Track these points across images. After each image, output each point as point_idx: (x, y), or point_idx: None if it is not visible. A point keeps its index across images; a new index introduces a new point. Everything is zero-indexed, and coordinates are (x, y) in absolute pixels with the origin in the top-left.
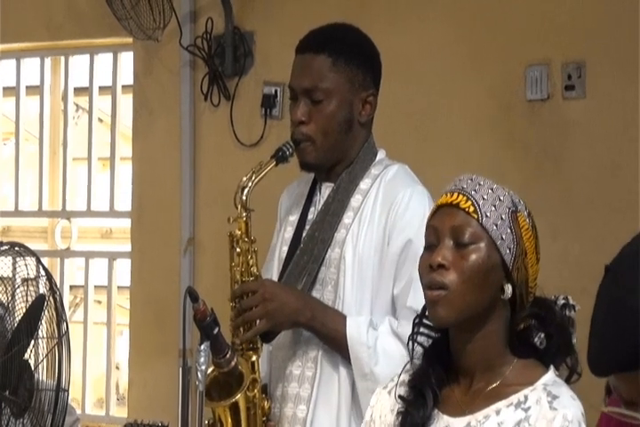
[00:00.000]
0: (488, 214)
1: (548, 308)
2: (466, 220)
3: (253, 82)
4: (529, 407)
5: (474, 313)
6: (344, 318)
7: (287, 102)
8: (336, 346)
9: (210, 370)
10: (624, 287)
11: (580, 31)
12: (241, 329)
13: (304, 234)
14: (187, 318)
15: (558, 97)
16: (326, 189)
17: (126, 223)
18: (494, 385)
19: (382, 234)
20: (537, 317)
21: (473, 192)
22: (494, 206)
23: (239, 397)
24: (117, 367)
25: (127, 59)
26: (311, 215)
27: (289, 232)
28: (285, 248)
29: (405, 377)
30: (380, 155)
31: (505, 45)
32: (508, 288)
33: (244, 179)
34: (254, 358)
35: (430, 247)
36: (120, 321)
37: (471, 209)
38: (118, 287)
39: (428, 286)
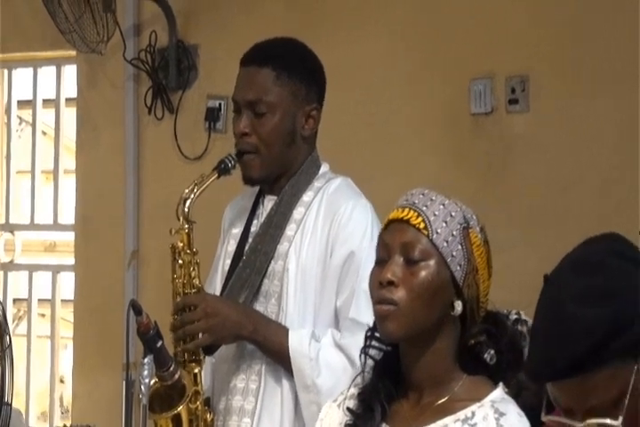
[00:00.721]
0: (439, 231)
1: (499, 323)
2: (416, 236)
3: (197, 95)
4: (475, 424)
5: (423, 329)
6: (287, 330)
7: (231, 116)
8: (279, 359)
9: (152, 382)
10: (565, 295)
11: (523, 45)
12: (182, 342)
13: (247, 247)
14: (130, 332)
15: (502, 110)
16: (269, 202)
17: (70, 236)
18: (443, 400)
19: (325, 246)
20: (488, 332)
21: (424, 208)
22: (445, 223)
23: (181, 409)
24: (61, 381)
25: (71, 72)
26: (254, 228)
27: (232, 245)
28: (228, 261)
29: (355, 390)
30: (324, 168)
31: (449, 59)
32: (459, 305)
33: (187, 191)
34: (197, 370)
35: (381, 262)
36: (64, 334)
37: (422, 225)
38: (62, 300)
39: (377, 302)
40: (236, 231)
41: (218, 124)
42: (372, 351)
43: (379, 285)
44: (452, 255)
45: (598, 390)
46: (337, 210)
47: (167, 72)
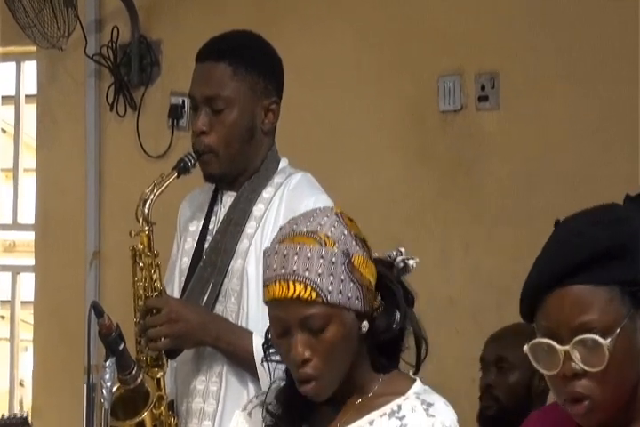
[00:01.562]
0: (330, 288)
1: (386, 270)
2: (312, 308)
3: (160, 92)
4: (404, 416)
5: (341, 379)
6: (251, 334)
7: None
8: (244, 364)
9: (115, 388)
10: (575, 222)
11: (493, 41)
12: (145, 346)
13: (206, 245)
14: (91, 334)
15: (471, 108)
16: (228, 199)
17: (30, 236)
18: (364, 398)
19: None
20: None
21: (307, 273)
22: (332, 275)
23: (145, 415)
24: (22, 384)
25: (31, 68)
26: (212, 225)
27: (189, 243)
28: (186, 259)
29: (271, 396)
30: (283, 163)
31: (417, 55)
32: (365, 326)
33: (146, 191)
34: (160, 374)
35: (284, 335)
36: (24, 337)
37: (313, 295)
38: (22, 302)
39: (300, 381)
40: (194, 229)
41: (181, 122)
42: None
43: (295, 363)
44: (348, 297)
45: (593, 307)
46: (298, 206)
47: (129, 68)
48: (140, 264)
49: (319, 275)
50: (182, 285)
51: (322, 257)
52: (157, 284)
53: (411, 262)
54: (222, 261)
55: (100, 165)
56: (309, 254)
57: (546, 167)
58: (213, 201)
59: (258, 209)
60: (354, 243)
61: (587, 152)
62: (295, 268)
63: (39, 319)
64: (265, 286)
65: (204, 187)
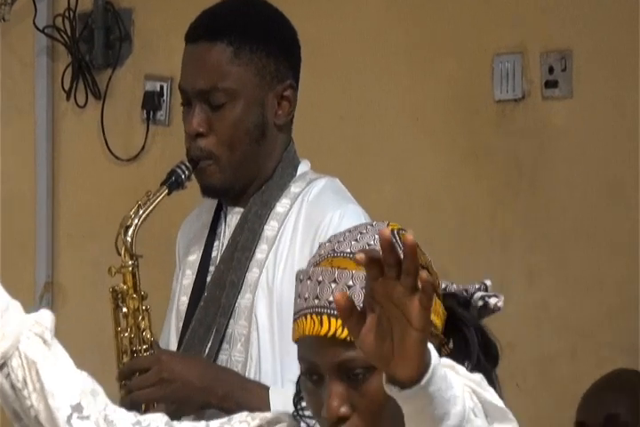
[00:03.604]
0: None
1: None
2: (352, 350)
3: (131, 75)
4: None
5: None
6: (267, 390)
7: (176, 102)
8: None
9: None
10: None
11: (564, 11)
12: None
13: (208, 278)
14: None
15: (536, 96)
16: (234, 217)
17: None
18: None
19: None
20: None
21: None
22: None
23: None
24: None
25: None
26: (216, 252)
27: (189, 277)
28: (185, 298)
29: None
30: (303, 167)
31: (465, 27)
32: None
33: (129, 214)
34: None
35: (315, 383)
36: None
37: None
38: None
39: None
40: (194, 258)
41: (159, 114)
42: None
43: (329, 421)
44: None
45: None
46: (320, 222)
47: (92, 44)
48: (124, 309)
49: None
50: (180, 331)
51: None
52: (147, 334)
53: (492, 301)
54: (228, 298)
55: (54, 171)
56: (350, 282)
57: (632, 172)
58: (216, 221)
59: (270, 228)
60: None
61: None
62: (332, 299)
63: None
64: (294, 320)
65: (204, 205)
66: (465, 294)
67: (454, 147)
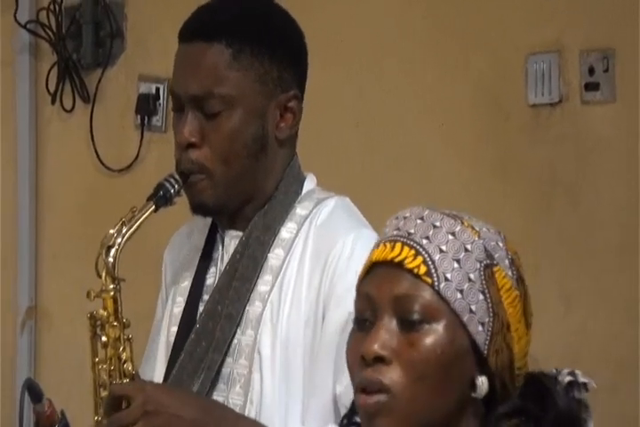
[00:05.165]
0: (448, 276)
1: (544, 393)
2: (415, 287)
3: (124, 76)
4: None
5: (431, 423)
6: None
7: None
8: None
9: None
10: None
11: (606, 5)
12: None
13: (201, 308)
14: (26, 426)
15: (575, 100)
16: (232, 241)
17: None
18: None
19: (315, 305)
20: (526, 412)
21: (424, 241)
22: (458, 262)
23: None
24: None
25: None
26: (210, 279)
27: (180, 305)
28: (174, 329)
29: None
30: (309, 184)
31: (495, 25)
32: (483, 383)
33: (111, 232)
34: None
35: (363, 325)
36: None
37: (422, 270)
38: None
39: (361, 388)
40: (185, 284)
41: (154, 119)
42: None
43: (362, 361)
44: (471, 311)
45: None
46: (331, 249)
47: (80, 42)
48: (103, 338)
49: (441, 251)
50: (167, 365)
51: (453, 233)
52: (128, 366)
53: (581, 380)
54: (223, 332)
55: (38, 184)
56: (437, 222)
57: None
58: (210, 244)
59: (275, 256)
60: (506, 254)
61: None
62: (412, 230)
63: None
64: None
65: (197, 223)
66: (553, 372)
67: (482, 156)
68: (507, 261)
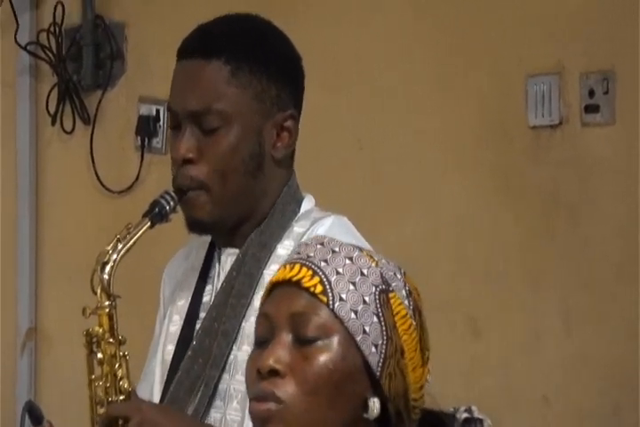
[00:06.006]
0: (344, 296)
1: None
2: (311, 304)
3: (124, 98)
4: None
5: None
6: None
7: None
8: None
9: None
10: None
11: (606, 27)
12: None
13: (198, 326)
14: None
15: (575, 122)
16: (228, 258)
17: None
18: None
19: None
20: None
21: (322, 263)
22: (353, 284)
23: None
24: None
25: None
26: (207, 297)
27: (176, 323)
28: (171, 347)
29: None
30: (307, 204)
31: (496, 44)
32: (374, 403)
33: (107, 249)
34: None
35: (261, 344)
36: None
37: (319, 289)
38: None
39: (254, 398)
40: (182, 303)
41: (154, 141)
42: None
43: (257, 375)
44: (365, 331)
45: None
46: None
47: (80, 63)
48: (99, 355)
49: (338, 273)
50: (164, 383)
51: (350, 258)
52: (124, 383)
53: (476, 416)
54: (220, 349)
55: (38, 205)
56: (337, 249)
57: None
58: (207, 263)
59: (270, 273)
60: (403, 284)
61: None
62: (311, 254)
63: None
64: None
65: (194, 243)
66: (451, 410)
67: (484, 177)
68: (404, 292)
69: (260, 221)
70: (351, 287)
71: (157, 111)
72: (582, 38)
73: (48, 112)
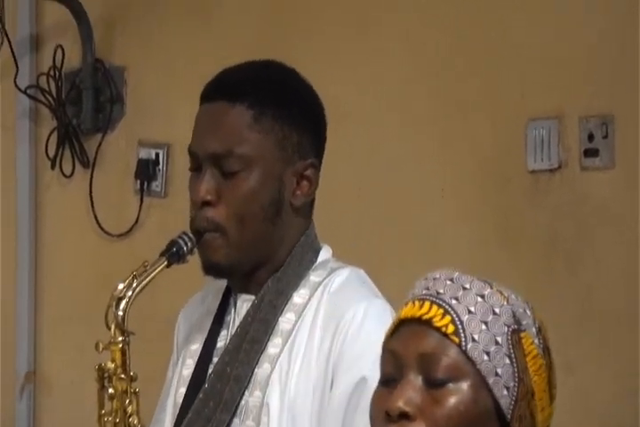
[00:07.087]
0: (476, 337)
1: None
2: (441, 345)
3: (124, 141)
4: None
5: None
6: None
7: (173, 172)
8: None
9: None
10: None
11: (605, 73)
12: None
13: (210, 369)
14: None
15: (574, 166)
16: (244, 304)
17: None
18: None
19: (324, 370)
20: None
21: (453, 301)
22: (485, 324)
23: None
24: None
25: None
26: (221, 342)
27: (189, 367)
28: (183, 390)
29: None
30: (324, 254)
31: (496, 89)
32: None
33: (121, 286)
34: None
35: (388, 382)
36: None
37: (450, 329)
38: None
39: None
40: (196, 347)
41: (154, 184)
42: None
43: (386, 417)
44: (497, 374)
45: None
46: (342, 317)
47: (79, 107)
48: (110, 391)
49: (470, 312)
50: (174, 425)
51: (482, 296)
52: (134, 420)
53: None
54: (232, 393)
55: (37, 248)
56: (467, 285)
57: None
58: (223, 308)
59: (286, 320)
60: (533, 322)
61: None
62: (441, 290)
63: None
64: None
65: (210, 288)
66: None
67: (484, 221)
68: (534, 329)
69: (277, 268)
70: (483, 327)
71: (157, 155)
72: (581, 83)
73: (47, 156)
